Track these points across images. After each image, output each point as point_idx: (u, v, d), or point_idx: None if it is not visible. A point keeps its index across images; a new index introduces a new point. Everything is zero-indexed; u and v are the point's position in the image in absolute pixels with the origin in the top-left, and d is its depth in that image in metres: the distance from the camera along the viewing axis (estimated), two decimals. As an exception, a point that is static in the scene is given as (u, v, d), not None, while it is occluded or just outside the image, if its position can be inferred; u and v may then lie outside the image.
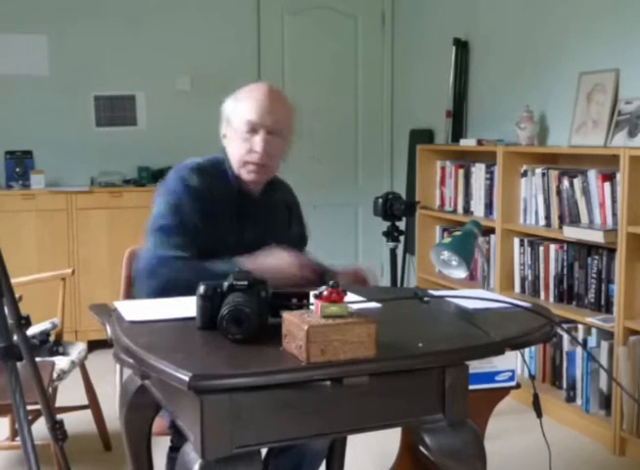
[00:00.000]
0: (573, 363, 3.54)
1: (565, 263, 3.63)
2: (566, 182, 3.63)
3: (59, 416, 1.98)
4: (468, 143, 4.31)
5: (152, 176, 4.72)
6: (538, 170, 3.80)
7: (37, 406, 2.02)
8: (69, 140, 4.88)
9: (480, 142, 4.20)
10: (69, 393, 3.30)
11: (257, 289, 1.70)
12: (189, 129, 4.80)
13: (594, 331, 3.44)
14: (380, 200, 3.85)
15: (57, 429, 1.93)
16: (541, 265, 3.77)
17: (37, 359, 2.03)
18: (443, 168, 4.56)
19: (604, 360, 3.37)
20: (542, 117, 4.06)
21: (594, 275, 3.45)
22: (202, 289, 1.72)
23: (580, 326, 3.51)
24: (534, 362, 3.78)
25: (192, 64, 5.07)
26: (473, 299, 2.05)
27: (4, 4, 4.75)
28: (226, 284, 1.71)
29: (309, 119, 5.43)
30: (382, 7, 5.52)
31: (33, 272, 3.45)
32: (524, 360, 2.91)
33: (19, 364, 1.78)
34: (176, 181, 2.19)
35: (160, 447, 2.15)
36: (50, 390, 2.76)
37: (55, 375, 2.84)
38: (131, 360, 1.65)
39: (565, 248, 3.63)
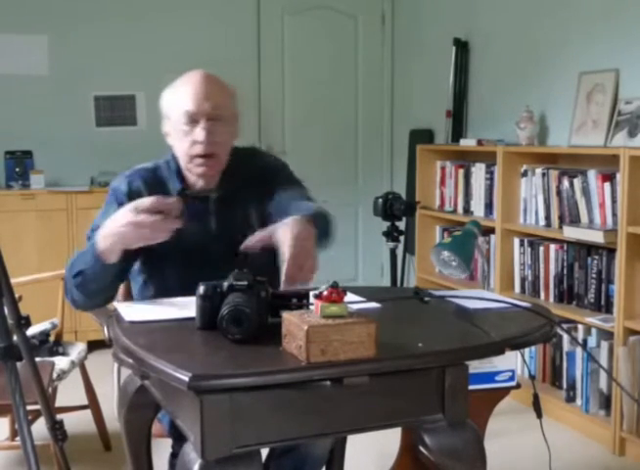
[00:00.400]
0: (573, 363, 3.54)
1: (565, 263, 3.63)
2: (566, 182, 3.63)
3: (59, 416, 1.98)
4: (468, 143, 4.31)
5: (152, 176, 4.72)
6: (538, 170, 3.80)
7: (37, 406, 2.03)
8: (69, 140, 4.88)
9: (479, 142, 4.20)
10: (69, 393, 3.30)
11: (257, 289, 1.70)
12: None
13: (594, 331, 3.44)
14: (380, 200, 3.85)
15: (57, 429, 1.93)
16: (541, 265, 3.77)
17: (37, 359, 2.03)
18: (443, 168, 4.56)
19: (604, 360, 3.37)
20: (542, 117, 4.06)
21: (594, 275, 3.45)
22: (201, 289, 1.72)
23: (580, 326, 3.51)
24: (534, 362, 3.78)
25: (192, 64, 5.03)
26: (473, 299, 2.05)
27: (4, 4, 4.75)
28: (226, 284, 1.71)
29: (308, 119, 5.45)
30: (382, 7, 5.52)
31: (33, 272, 3.44)
32: (524, 360, 2.91)
33: (19, 364, 1.78)
34: (110, 190, 2.17)
35: (160, 448, 2.15)
36: (50, 390, 2.76)
37: (55, 375, 2.84)
38: (131, 360, 1.65)
39: (565, 248, 3.63)
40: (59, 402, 3.09)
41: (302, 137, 5.44)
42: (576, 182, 3.57)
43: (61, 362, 2.96)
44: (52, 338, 3.13)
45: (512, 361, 2.45)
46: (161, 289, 2.10)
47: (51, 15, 4.83)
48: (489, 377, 2.49)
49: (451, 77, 4.69)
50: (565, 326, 3.52)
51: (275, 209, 2.08)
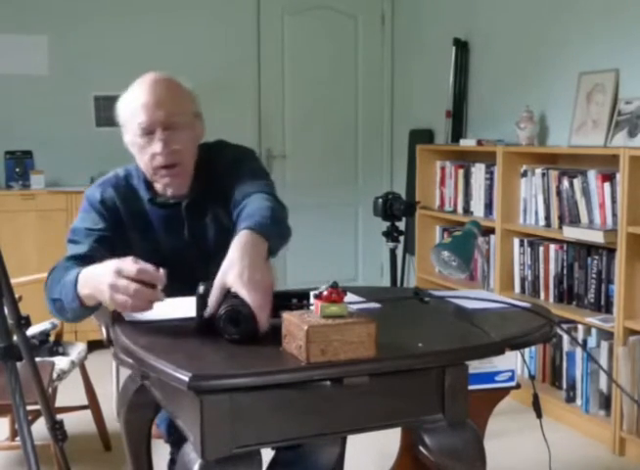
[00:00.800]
0: (573, 363, 3.54)
1: (565, 263, 3.63)
2: (566, 182, 3.63)
3: (59, 416, 1.98)
4: (468, 143, 4.31)
5: (152, 176, 4.73)
6: (538, 170, 3.80)
7: (37, 406, 2.02)
8: (69, 140, 4.88)
9: (479, 142, 4.20)
10: (69, 393, 3.30)
11: None
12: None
13: (594, 331, 3.44)
14: (380, 200, 3.85)
15: (57, 429, 1.93)
16: (541, 265, 3.77)
17: (37, 359, 2.03)
18: (443, 168, 4.56)
19: (604, 360, 3.37)
20: (542, 117, 4.06)
21: (594, 275, 3.45)
22: (201, 289, 1.71)
23: (580, 326, 3.51)
24: (534, 362, 3.78)
25: (192, 64, 5.06)
26: (473, 299, 2.05)
27: (4, 4, 4.75)
28: None
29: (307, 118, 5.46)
30: (382, 7, 5.52)
31: (33, 272, 3.44)
32: (524, 360, 2.91)
33: (19, 364, 1.78)
34: (85, 199, 2.12)
35: (160, 448, 2.15)
36: (50, 390, 2.76)
37: (55, 375, 2.84)
38: (131, 360, 1.65)
39: (565, 248, 3.63)
40: (59, 402, 3.09)
41: (302, 137, 5.44)
42: (576, 182, 3.57)
43: (61, 362, 2.96)
44: (52, 338, 3.14)
45: (512, 361, 2.45)
46: None
47: (51, 15, 4.83)
48: (489, 377, 2.49)
49: (451, 77, 4.69)
50: (565, 326, 3.52)
51: (232, 211, 1.98)
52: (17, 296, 1.86)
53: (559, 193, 3.67)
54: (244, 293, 1.62)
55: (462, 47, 4.67)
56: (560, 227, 3.62)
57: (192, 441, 1.52)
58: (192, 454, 1.51)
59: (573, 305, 3.60)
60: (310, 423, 1.56)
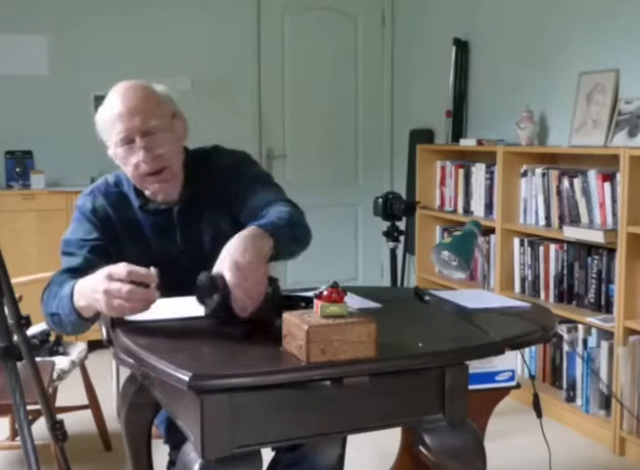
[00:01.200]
0: (573, 363, 3.54)
1: (565, 263, 3.63)
2: (566, 182, 3.63)
3: (59, 416, 1.97)
4: (468, 143, 4.31)
5: (152, 176, 4.73)
6: (538, 170, 3.80)
7: (37, 406, 2.02)
8: (69, 140, 4.87)
9: (479, 142, 4.20)
10: (69, 393, 3.30)
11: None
12: (189, 129, 4.80)
13: (594, 331, 3.44)
14: (380, 200, 3.85)
15: (57, 429, 1.93)
16: (541, 265, 3.77)
17: (37, 359, 2.03)
18: (443, 168, 4.56)
19: (604, 360, 3.37)
20: (542, 117, 4.06)
21: (594, 275, 3.45)
22: (200, 277, 1.71)
23: (580, 326, 3.51)
24: (534, 362, 3.78)
25: (192, 64, 5.07)
26: (473, 299, 2.06)
27: (4, 4, 4.75)
28: None
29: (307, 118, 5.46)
30: (382, 7, 5.52)
31: (33, 272, 3.44)
32: (524, 360, 2.92)
33: (19, 364, 1.78)
34: (77, 209, 2.12)
35: (160, 448, 2.15)
36: (50, 390, 2.76)
37: (55, 375, 2.84)
38: (131, 360, 1.65)
39: (565, 248, 3.63)
40: (59, 402, 3.09)
41: (302, 137, 5.44)
42: (576, 182, 3.57)
43: (61, 362, 2.96)
44: (52, 338, 3.13)
45: (512, 361, 2.45)
46: None
47: (51, 15, 4.83)
48: (489, 377, 2.49)
49: (451, 77, 4.69)
50: (565, 326, 3.52)
51: (248, 218, 1.96)
52: (17, 296, 1.86)
53: (559, 193, 3.67)
54: (225, 272, 1.65)
55: (462, 47, 4.67)
56: (560, 227, 3.62)
57: (192, 440, 1.52)
58: (192, 454, 1.51)
59: (574, 304, 3.60)
60: (310, 423, 1.56)
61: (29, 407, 1.84)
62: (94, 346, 3.85)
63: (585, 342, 3.47)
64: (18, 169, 4.75)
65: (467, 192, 4.36)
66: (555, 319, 1.95)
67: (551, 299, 3.71)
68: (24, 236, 4.50)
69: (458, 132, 4.67)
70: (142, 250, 2.04)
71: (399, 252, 4.09)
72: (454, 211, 4.45)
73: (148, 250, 2.05)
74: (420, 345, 1.60)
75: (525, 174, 3.89)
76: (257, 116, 5.33)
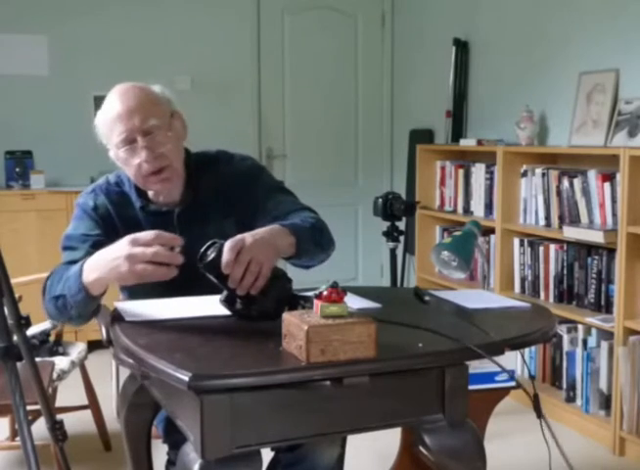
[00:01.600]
0: (573, 363, 3.54)
1: (565, 263, 3.63)
2: (566, 182, 3.63)
3: (59, 416, 1.97)
4: (468, 143, 4.31)
5: (151, 176, 4.73)
6: (538, 170, 3.80)
7: (37, 406, 2.02)
8: (69, 140, 4.87)
9: (480, 142, 4.20)
10: (69, 393, 3.30)
11: (278, 271, 1.74)
12: (189, 129, 4.80)
13: (594, 331, 3.44)
14: (380, 200, 3.85)
15: (57, 429, 1.93)
16: (541, 265, 3.77)
17: (37, 359, 2.03)
18: (443, 168, 4.56)
19: (604, 360, 3.37)
20: (542, 117, 4.07)
21: (594, 275, 3.45)
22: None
23: (580, 326, 3.51)
24: (534, 362, 3.78)
25: (192, 64, 5.07)
26: (473, 299, 2.06)
27: (4, 4, 4.75)
28: None
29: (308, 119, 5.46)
30: (382, 7, 5.52)
31: (33, 272, 3.44)
32: (523, 360, 2.91)
33: (19, 364, 1.78)
34: (78, 207, 2.12)
35: (160, 448, 2.15)
36: (50, 390, 2.76)
37: (55, 375, 2.84)
38: (131, 360, 1.65)
39: (565, 248, 3.63)
40: (59, 402, 3.09)
41: (302, 137, 5.44)
42: (576, 182, 3.57)
43: (61, 362, 2.96)
44: (52, 338, 3.13)
45: (512, 361, 2.45)
46: None
47: (51, 15, 4.83)
48: (489, 377, 2.49)
49: (451, 77, 4.69)
50: (565, 326, 3.52)
51: (269, 224, 1.93)
52: (17, 296, 1.86)
53: (559, 193, 3.67)
54: (228, 241, 1.69)
55: (462, 47, 4.67)
56: (560, 227, 3.62)
57: (192, 441, 1.52)
58: (192, 454, 1.51)
59: (573, 304, 3.60)
60: (310, 423, 1.56)
61: (29, 407, 1.84)
62: (94, 346, 3.85)
63: (585, 342, 3.47)
64: (18, 169, 4.75)
65: (467, 192, 4.36)
66: (555, 319, 1.94)
67: (551, 299, 3.71)
68: (24, 236, 4.50)
69: (458, 132, 4.67)
70: None
71: (399, 252, 4.08)
72: (454, 212, 4.45)
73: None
74: (420, 345, 1.60)
75: (524, 174, 3.89)
76: (257, 116, 5.33)
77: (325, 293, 1.53)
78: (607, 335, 3.35)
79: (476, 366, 2.33)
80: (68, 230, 2.09)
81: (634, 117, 3.45)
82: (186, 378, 1.41)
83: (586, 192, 3.52)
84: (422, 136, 5.06)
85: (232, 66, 5.23)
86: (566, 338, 3.56)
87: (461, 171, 4.40)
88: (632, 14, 3.54)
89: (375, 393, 1.58)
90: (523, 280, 3.90)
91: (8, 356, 1.75)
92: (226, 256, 1.68)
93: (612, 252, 3.34)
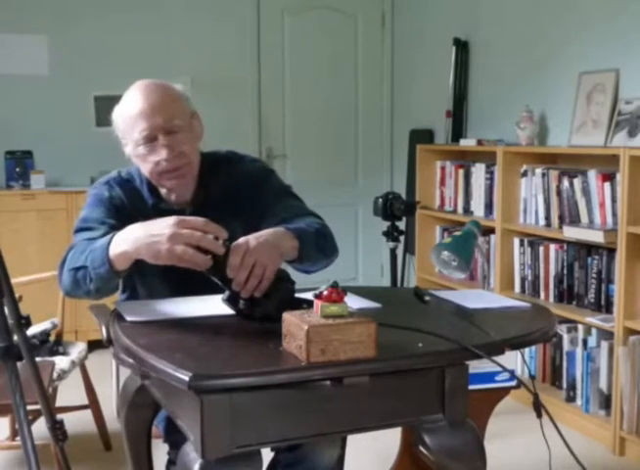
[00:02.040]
0: (573, 363, 3.54)
1: (565, 263, 3.63)
2: (566, 182, 3.63)
3: (59, 416, 1.97)
4: (468, 143, 4.31)
5: (152, 176, 4.73)
6: (538, 170, 3.80)
7: (37, 406, 2.02)
8: (69, 140, 4.88)
9: (480, 142, 4.20)
10: (69, 393, 3.30)
11: (282, 274, 1.76)
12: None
13: (594, 331, 3.44)
14: (380, 200, 3.85)
15: (57, 429, 1.93)
16: (541, 265, 3.77)
17: (37, 359, 2.03)
18: (443, 168, 4.56)
19: (604, 360, 3.37)
20: (542, 117, 4.07)
21: (594, 275, 3.45)
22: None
23: (580, 326, 3.51)
24: (534, 362, 3.78)
25: (192, 64, 5.07)
26: (473, 299, 2.06)
27: (4, 4, 4.75)
28: None
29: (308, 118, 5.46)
30: (382, 7, 5.52)
31: (33, 272, 3.45)
32: (524, 360, 2.91)
33: (19, 364, 1.78)
34: (92, 196, 2.10)
35: (160, 449, 2.15)
36: (50, 390, 2.76)
37: (55, 375, 2.84)
38: (131, 360, 1.65)
39: (565, 248, 3.63)
40: (59, 402, 3.09)
41: (302, 137, 5.44)
42: (576, 182, 3.57)
43: (61, 362, 2.96)
44: (52, 338, 3.13)
45: (512, 361, 2.45)
46: None
47: (51, 15, 4.83)
48: (489, 377, 2.49)
49: (451, 77, 4.69)
50: (565, 326, 3.52)
51: (275, 226, 1.93)
52: (17, 296, 1.86)
53: (559, 193, 3.67)
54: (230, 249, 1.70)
55: (462, 47, 4.67)
56: (560, 227, 3.62)
57: (192, 440, 1.52)
58: (192, 454, 1.51)
59: (573, 304, 3.60)
60: (310, 423, 1.56)
61: (29, 407, 1.84)
62: (94, 346, 3.85)
63: (585, 342, 3.48)
64: (18, 169, 4.75)
65: (467, 192, 4.36)
66: (555, 319, 1.94)
67: (551, 299, 3.71)
68: (24, 236, 4.50)
69: (458, 132, 4.67)
70: None
71: (399, 252, 4.08)
72: (454, 212, 4.45)
73: None
74: (420, 345, 1.60)
75: (525, 174, 3.89)
76: (257, 116, 5.33)
77: (325, 293, 1.53)
78: (607, 335, 3.35)
79: (476, 366, 2.33)
80: (82, 214, 2.06)
81: (634, 117, 3.46)
82: (186, 378, 1.41)
83: (586, 192, 3.52)
84: (422, 136, 5.06)
85: (232, 66, 5.23)
86: (566, 338, 3.56)
87: (461, 171, 4.40)
88: (632, 14, 3.54)
89: (375, 393, 1.58)
90: (523, 280, 3.90)
91: (8, 356, 1.75)
92: (231, 259, 1.68)
93: (612, 252, 3.34)
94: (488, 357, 1.59)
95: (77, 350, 3.15)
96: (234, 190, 2.12)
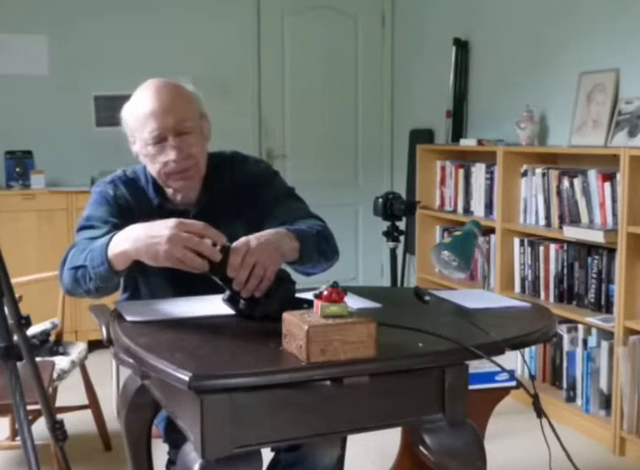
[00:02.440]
0: (573, 363, 3.54)
1: (565, 263, 3.63)
2: (566, 182, 3.63)
3: (59, 416, 1.97)
4: (468, 143, 4.31)
5: (152, 176, 4.73)
6: (538, 170, 3.80)
7: (37, 406, 2.02)
8: (69, 140, 4.88)
9: (480, 142, 4.20)
10: (69, 393, 3.30)
11: (282, 273, 1.76)
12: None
13: (594, 331, 3.44)
14: (380, 200, 3.85)
15: (57, 429, 1.93)
16: (541, 265, 3.77)
17: (37, 359, 2.03)
18: (443, 168, 4.56)
19: (604, 360, 3.37)
20: (542, 117, 4.06)
21: (594, 275, 3.45)
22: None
23: (580, 326, 3.51)
24: (534, 362, 3.78)
25: (192, 64, 5.07)
26: (473, 299, 2.05)
27: (4, 4, 4.75)
28: None
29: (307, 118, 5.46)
30: (382, 7, 5.52)
31: (33, 272, 3.45)
32: (524, 360, 2.91)
33: (19, 364, 1.78)
34: (96, 194, 2.09)
35: (160, 448, 2.15)
36: (50, 390, 2.76)
37: (55, 375, 2.84)
38: (131, 360, 1.65)
39: (565, 248, 3.63)
40: (59, 402, 3.09)
41: (302, 137, 5.44)
42: (576, 182, 3.57)
43: (61, 362, 2.96)
44: (52, 338, 3.13)
45: (512, 361, 2.45)
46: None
47: (51, 15, 4.83)
48: (489, 377, 2.49)
49: (451, 77, 4.69)
50: (565, 326, 3.52)
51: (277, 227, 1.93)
52: (17, 296, 1.86)
53: (559, 193, 3.67)
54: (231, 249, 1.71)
55: (462, 47, 4.67)
56: (560, 227, 3.62)
57: (192, 440, 1.52)
58: (192, 454, 1.51)
59: (574, 304, 3.60)
60: (310, 423, 1.56)
61: (29, 407, 1.84)
62: (94, 346, 3.85)
63: (585, 342, 3.47)
64: (18, 169, 4.75)
65: (467, 192, 4.36)
66: (555, 319, 1.94)
67: (551, 299, 3.71)
68: (24, 236, 4.50)
69: (458, 132, 4.67)
70: None
71: (399, 252, 4.09)
72: (454, 212, 4.45)
73: None
74: (420, 345, 1.60)
75: (525, 174, 3.89)
76: (257, 116, 5.33)
77: (325, 293, 1.53)
78: (607, 335, 3.35)
79: (476, 366, 2.33)
80: (86, 213, 2.06)
81: (634, 116, 3.45)
82: (186, 378, 1.41)
83: (586, 192, 3.52)
84: (422, 136, 5.06)
85: (232, 66, 5.23)
86: (566, 338, 3.56)
87: (461, 171, 4.40)
88: (632, 14, 3.54)
89: (375, 393, 1.58)
90: (523, 280, 3.90)
91: (8, 356, 1.75)
92: (232, 259, 1.68)
93: (612, 252, 3.34)
94: (488, 358, 1.59)
95: (77, 350, 3.15)
96: (237, 191, 2.12)
